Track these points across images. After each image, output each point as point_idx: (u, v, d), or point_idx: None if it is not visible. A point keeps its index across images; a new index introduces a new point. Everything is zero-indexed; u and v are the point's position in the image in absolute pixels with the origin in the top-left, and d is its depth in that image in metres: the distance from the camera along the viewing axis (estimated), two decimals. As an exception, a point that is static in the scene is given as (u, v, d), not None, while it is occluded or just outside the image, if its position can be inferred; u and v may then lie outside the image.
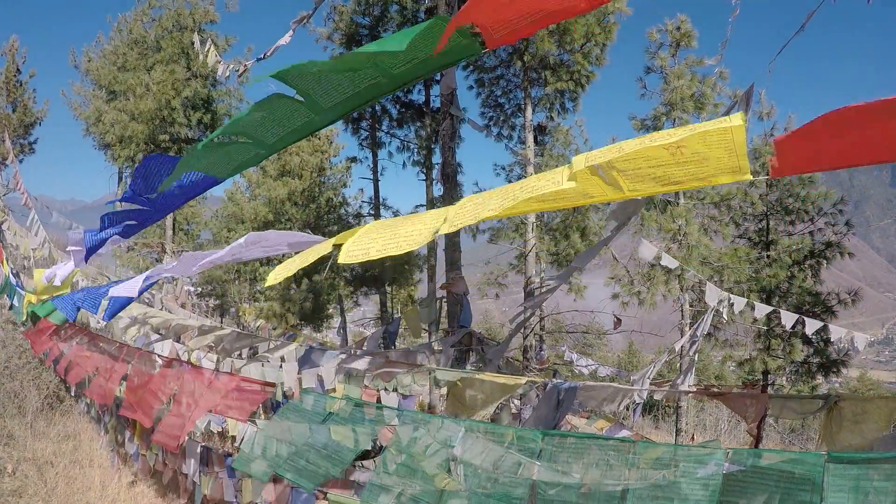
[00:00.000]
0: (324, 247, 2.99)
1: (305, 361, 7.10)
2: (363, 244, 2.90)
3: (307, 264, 2.94)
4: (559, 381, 4.44)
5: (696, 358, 11.48)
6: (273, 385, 5.58)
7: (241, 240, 3.43)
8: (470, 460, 3.57)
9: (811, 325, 11.78)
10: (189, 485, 7.26)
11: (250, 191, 27.93)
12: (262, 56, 9.25)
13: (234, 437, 9.23)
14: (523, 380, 4.55)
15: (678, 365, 17.78)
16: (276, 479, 5.79)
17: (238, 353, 8.40)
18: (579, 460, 3.22)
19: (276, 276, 2.89)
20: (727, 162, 2.03)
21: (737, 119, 1.95)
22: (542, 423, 4.41)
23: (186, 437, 6.41)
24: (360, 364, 6.35)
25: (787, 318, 11.54)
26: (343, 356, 6.79)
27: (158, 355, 7.04)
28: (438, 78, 17.71)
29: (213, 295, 31.71)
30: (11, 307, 14.24)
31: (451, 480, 3.61)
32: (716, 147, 1.99)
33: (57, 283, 7.52)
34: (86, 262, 4.63)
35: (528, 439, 3.40)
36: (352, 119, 24.25)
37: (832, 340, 13.60)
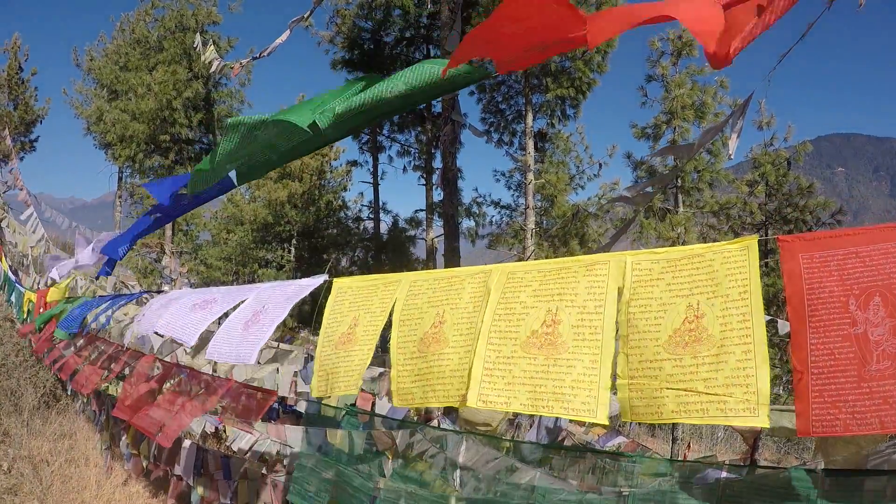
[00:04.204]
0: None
1: (302, 366, 7.11)
2: None
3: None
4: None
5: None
6: (273, 392, 5.59)
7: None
8: (469, 467, 3.58)
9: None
10: (184, 486, 7.25)
11: (250, 192, 27.95)
12: (258, 55, 9.32)
13: (226, 439, 9.23)
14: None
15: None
16: (274, 484, 5.80)
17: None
18: (578, 470, 3.24)
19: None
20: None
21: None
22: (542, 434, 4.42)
23: (183, 437, 6.39)
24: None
25: (785, 328, 11.55)
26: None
27: (159, 359, 7.04)
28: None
29: (211, 296, 31.63)
30: (8, 301, 14.27)
31: (450, 487, 3.62)
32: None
33: (57, 278, 7.57)
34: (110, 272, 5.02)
35: (529, 452, 3.42)
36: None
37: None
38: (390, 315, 3.10)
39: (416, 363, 2.84)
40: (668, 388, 2.15)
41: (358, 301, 3.33)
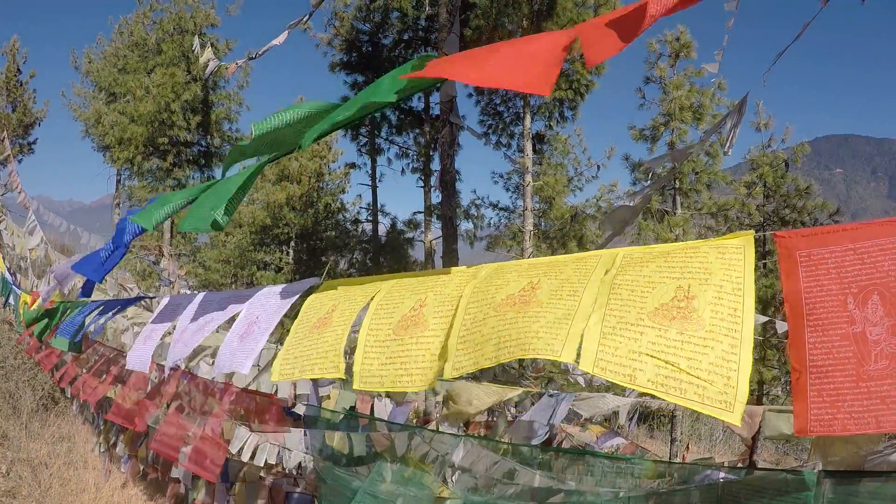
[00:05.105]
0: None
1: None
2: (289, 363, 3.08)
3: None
4: (555, 391, 4.46)
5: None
6: (272, 396, 5.59)
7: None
8: (467, 468, 3.58)
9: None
10: (181, 489, 7.25)
11: (248, 195, 27.94)
12: (254, 55, 9.32)
13: (228, 441, 9.21)
14: (519, 390, 4.57)
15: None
16: (272, 486, 5.79)
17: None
18: (576, 471, 3.24)
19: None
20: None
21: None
22: (534, 429, 4.42)
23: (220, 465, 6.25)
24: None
25: (783, 328, 11.56)
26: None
27: (157, 363, 7.03)
28: (438, 86, 17.77)
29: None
30: (6, 304, 14.27)
31: (447, 489, 3.62)
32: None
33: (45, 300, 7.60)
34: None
35: (525, 454, 3.42)
36: (351, 125, 24.34)
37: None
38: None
39: (389, 346, 2.74)
40: (648, 356, 2.06)
41: (340, 294, 3.28)
